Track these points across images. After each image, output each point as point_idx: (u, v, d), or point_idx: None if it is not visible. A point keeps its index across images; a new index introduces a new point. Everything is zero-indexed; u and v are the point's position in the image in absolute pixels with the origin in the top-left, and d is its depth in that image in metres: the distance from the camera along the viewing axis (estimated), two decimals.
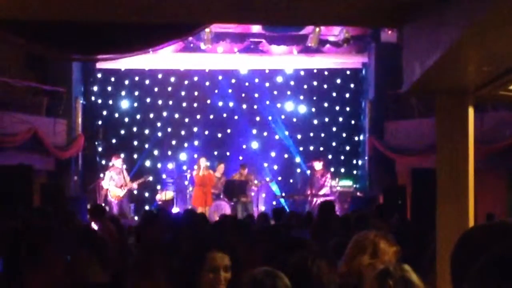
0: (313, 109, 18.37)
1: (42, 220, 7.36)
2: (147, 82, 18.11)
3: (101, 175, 16.73)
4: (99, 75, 17.81)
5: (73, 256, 3.81)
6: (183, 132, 18.20)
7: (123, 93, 18.14)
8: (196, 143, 18.09)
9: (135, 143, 18.01)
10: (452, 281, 2.05)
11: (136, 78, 18.03)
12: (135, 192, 16.60)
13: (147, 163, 17.91)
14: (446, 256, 3.46)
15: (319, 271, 3.42)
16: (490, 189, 12.09)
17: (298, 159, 18.10)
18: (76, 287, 3.69)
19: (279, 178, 18.01)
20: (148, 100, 18.17)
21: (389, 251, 3.65)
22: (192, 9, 3.26)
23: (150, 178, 16.19)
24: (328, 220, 8.42)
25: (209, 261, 3.38)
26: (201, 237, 3.63)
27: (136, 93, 18.15)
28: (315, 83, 18.33)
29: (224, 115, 18.25)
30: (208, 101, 18.22)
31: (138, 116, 18.12)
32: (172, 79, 18.13)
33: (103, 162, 17.37)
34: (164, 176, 17.62)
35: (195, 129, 18.19)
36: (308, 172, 16.74)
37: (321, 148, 18.06)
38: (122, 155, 16.37)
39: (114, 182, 15.25)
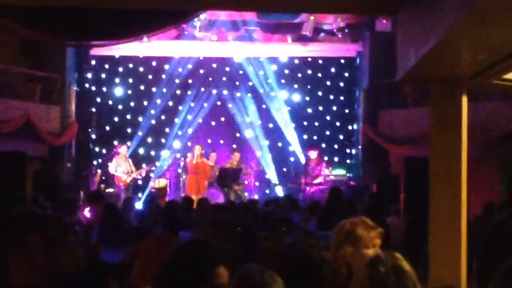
0: (307, 98, 18.32)
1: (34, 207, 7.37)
2: (141, 69, 18.02)
3: (94, 162, 16.74)
4: (93, 62, 17.72)
5: (58, 243, 3.75)
6: (176, 120, 18.15)
7: (117, 80, 18.05)
8: (189, 131, 18.05)
9: (129, 130, 17.94)
10: (477, 267, 2.07)
11: (130, 65, 17.94)
12: None
13: (141, 151, 17.87)
14: (439, 244, 3.49)
15: (323, 262, 3.44)
16: (483, 178, 12.12)
17: (291, 148, 18.06)
18: (56, 275, 3.63)
19: (273, 167, 18.01)
20: (142, 87, 18.09)
21: (369, 235, 3.66)
22: None
23: (153, 168, 16.38)
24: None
25: (213, 278, 2.93)
26: (208, 250, 3.14)
27: (130, 80, 18.07)
28: (309, 71, 18.27)
29: (218, 103, 18.19)
30: (202, 89, 18.15)
31: (132, 104, 18.05)
32: (166, 67, 18.05)
33: (96, 149, 17.38)
34: (157, 163, 17.62)
35: (189, 117, 18.14)
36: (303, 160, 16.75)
37: (315, 137, 18.01)
38: (129, 143, 16.65)
39: (122, 168, 15.37)
